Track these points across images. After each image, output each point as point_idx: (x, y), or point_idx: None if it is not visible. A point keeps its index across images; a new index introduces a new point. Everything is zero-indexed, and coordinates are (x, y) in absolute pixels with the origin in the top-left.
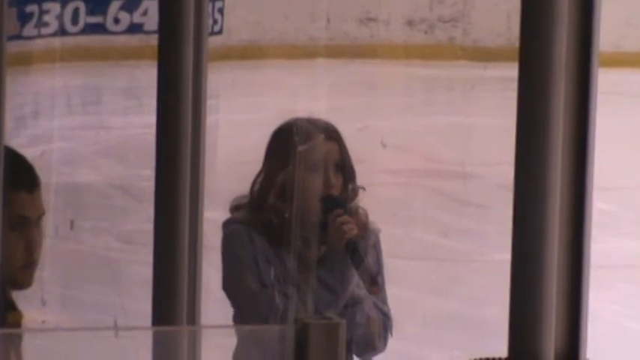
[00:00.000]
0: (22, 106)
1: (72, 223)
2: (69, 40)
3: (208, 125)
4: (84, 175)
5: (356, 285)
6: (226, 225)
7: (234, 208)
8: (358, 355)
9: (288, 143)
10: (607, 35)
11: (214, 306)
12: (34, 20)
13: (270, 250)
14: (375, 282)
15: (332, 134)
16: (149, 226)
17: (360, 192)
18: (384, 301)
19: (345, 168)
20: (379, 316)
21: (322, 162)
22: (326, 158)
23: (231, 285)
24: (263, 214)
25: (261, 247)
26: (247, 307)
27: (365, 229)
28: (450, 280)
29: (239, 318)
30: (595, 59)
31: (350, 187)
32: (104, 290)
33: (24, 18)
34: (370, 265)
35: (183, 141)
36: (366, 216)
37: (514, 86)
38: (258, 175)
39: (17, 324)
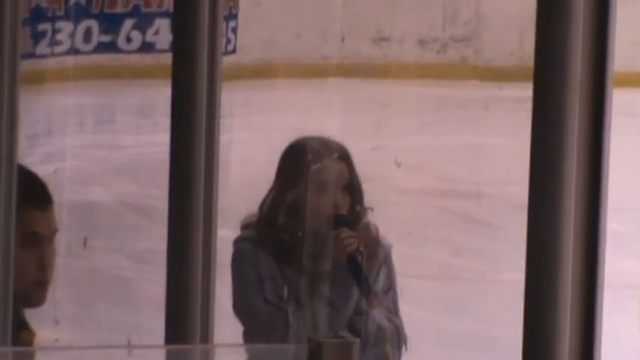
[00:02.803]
0: (34, 125)
1: (85, 241)
2: (81, 59)
3: (222, 144)
4: (96, 193)
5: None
6: (235, 243)
7: (244, 227)
8: None
9: (298, 162)
10: (617, 55)
11: (227, 324)
12: (47, 39)
13: (276, 268)
14: (376, 295)
15: (342, 155)
16: (161, 245)
17: (369, 213)
18: (397, 315)
19: (353, 189)
20: (390, 327)
21: (331, 182)
22: (335, 179)
23: (237, 302)
24: (272, 232)
25: (267, 264)
26: (250, 323)
27: (375, 244)
28: (462, 300)
29: (248, 336)
30: (610, 79)
31: (357, 208)
32: (117, 309)
33: (37, 36)
34: (371, 278)
35: (196, 159)
36: (377, 231)
37: (527, 106)
38: (268, 194)
39: (30, 342)
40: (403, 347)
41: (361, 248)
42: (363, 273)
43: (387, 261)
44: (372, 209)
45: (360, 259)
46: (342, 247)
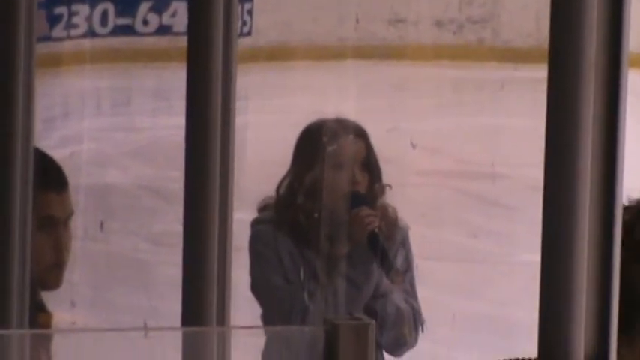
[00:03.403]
0: (51, 108)
1: (101, 224)
2: (98, 42)
3: (237, 126)
4: (113, 176)
5: (383, 276)
6: (253, 225)
7: (262, 209)
8: (389, 351)
9: (316, 144)
10: (633, 36)
11: (244, 306)
12: (64, 22)
13: (295, 249)
14: (397, 272)
15: (359, 133)
16: (178, 227)
17: (387, 191)
18: (415, 297)
19: (371, 166)
20: (408, 309)
21: (349, 160)
22: (352, 156)
23: (256, 283)
24: (290, 213)
25: (286, 246)
26: (271, 303)
27: (394, 225)
28: (479, 282)
29: (266, 317)
30: (625, 60)
31: (376, 185)
32: (133, 291)
33: (53, 20)
34: (393, 256)
35: (212, 142)
36: (395, 213)
37: (543, 87)
38: (285, 176)
39: (47, 325)
40: (420, 329)
41: (381, 226)
42: (385, 250)
43: (405, 243)
44: (391, 187)
45: (380, 237)
46: (363, 226)
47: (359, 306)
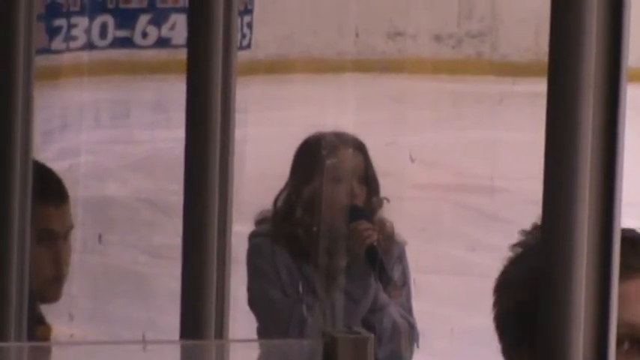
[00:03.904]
0: (50, 120)
1: (100, 237)
2: (97, 54)
3: (237, 139)
4: (112, 189)
5: (381, 290)
6: (250, 238)
7: (259, 222)
8: None
9: (314, 157)
10: (633, 51)
11: (242, 320)
12: (63, 34)
13: (293, 262)
14: (395, 286)
15: (357, 146)
16: (177, 240)
17: (385, 204)
18: (410, 312)
19: (369, 180)
20: (404, 324)
21: (347, 173)
22: (351, 170)
23: (254, 297)
24: (288, 227)
25: (284, 259)
26: (269, 317)
27: (391, 240)
28: (477, 295)
29: (263, 331)
30: (624, 74)
31: (374, 198)
32: (132, 304)
33: (52, 32)
34: (390, 270)
35: (211, 155)
36: (393, 228)
37: (542, 101)
38: (283, 189)
39: (46, 337)
40: (415, 344)
41: (379, 240)
42: (383, 264)
43: (402, 258)
44: (389, 200)
45: (379, 250)
46: (362, 239)
47: (357, 319)
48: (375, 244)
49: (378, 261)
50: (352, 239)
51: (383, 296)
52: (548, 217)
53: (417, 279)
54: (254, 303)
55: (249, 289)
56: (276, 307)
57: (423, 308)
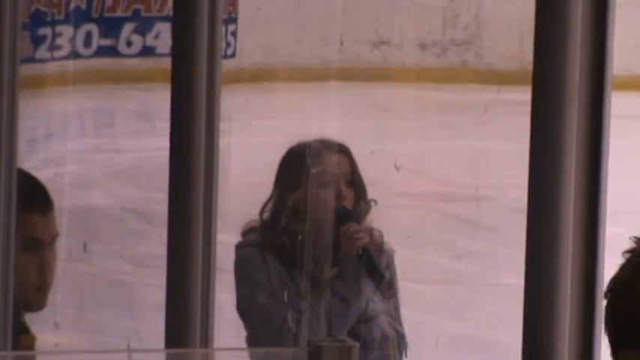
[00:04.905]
0: (34, 129)
1: (85, 246)
2: (82, 63)
3: (221, 148)
4: (96, 198)
5: (371, 299)
6: (239, 248)
7: (247, 232)
8: None
9: (299, 165)
10: (619, 59)
11: (227, 328)
12: (47, 43)
13: (283, 271)
14: (390, 286)
15: (342, 149)
16: (161, 249)
17: (372, 210)
18: (399, 322)
19: (355, 182)
20: (393, 333)
21: (334, 177)
22: (337, 173)
23: (245, 306)
24: (276, 236)
25: (274, 268)
26: (261, 324)
27: (379, 249)
28: (463, 304)
29: (252, 340)
30: (608, 82)
31: (362, 201)
32: (117, 313)
33: (37, 41)
34: (383, 270)
35: (196, 164)
36: (381, 236)
37: (526, 110)
38: (269, 199)
39: (30, 346)
40: (404, 354)
41: (370, 244)
42: (375, 265)
43: (390, 266)
44: (376, 202)
45: (371, 251)
46: (353, 242)
47: (350, 322)
48: (367, 246)
49: (372, 263)
50: (344, 242)
51: (372, 306)
52: (533, 226)
53: (403, 287)
54: (245, 311)
55: (239, 298)
56: (268, 314)
57: (408, 317)
